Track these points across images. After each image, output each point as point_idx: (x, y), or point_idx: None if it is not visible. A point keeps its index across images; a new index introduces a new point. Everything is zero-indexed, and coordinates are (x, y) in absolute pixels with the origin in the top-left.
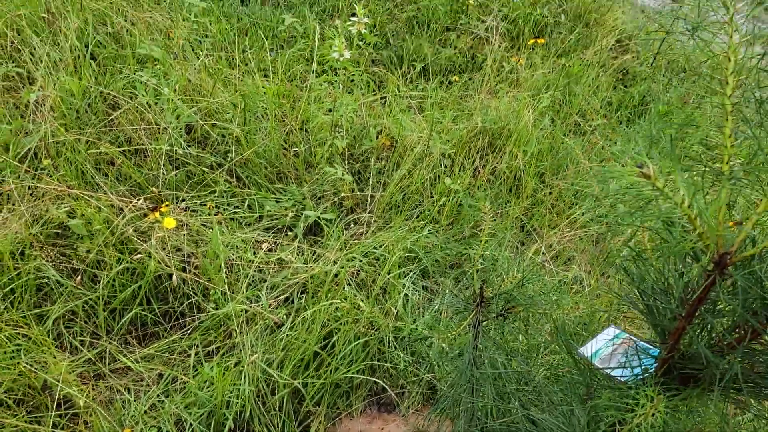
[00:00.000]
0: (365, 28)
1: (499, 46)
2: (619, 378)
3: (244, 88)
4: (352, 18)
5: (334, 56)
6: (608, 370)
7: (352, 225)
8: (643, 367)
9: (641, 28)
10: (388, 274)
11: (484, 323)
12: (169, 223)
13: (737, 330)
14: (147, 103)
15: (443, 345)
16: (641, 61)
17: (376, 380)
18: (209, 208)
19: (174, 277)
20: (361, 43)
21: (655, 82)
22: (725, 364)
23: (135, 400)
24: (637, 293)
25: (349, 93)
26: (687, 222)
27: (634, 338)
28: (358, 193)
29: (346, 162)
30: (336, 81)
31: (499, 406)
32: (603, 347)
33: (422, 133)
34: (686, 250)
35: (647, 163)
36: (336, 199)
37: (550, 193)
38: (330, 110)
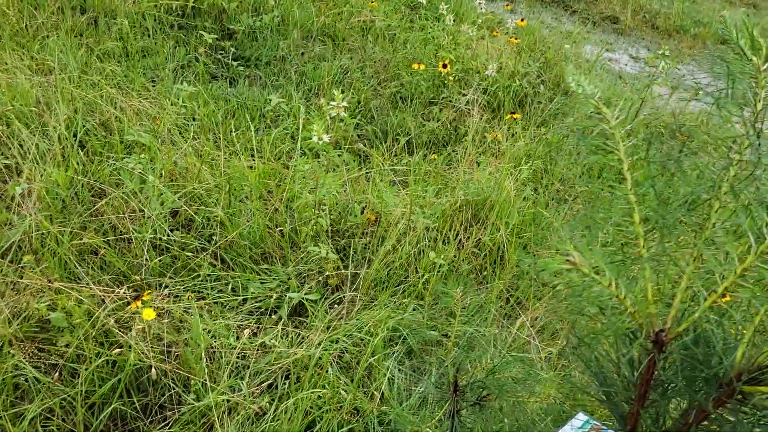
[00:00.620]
0: (344, 111)
1: (480, 118)
2: None
3: (229, 170)
4: (331, 103)
5: (314, 140)
6: None
7: (337, 305)
8: None
9: (618, 94)
10: (372, 355)
11: (462, 411)
12: (149, 314)
13: (689, 411)
14: (132, 190)
15: None
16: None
17: None
18: (188, 298)
19: (153, 370)
20: (341, 124)
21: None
22: None
23: None
24: (593, 378)
25: (333, 171)
26: (618, 303)
27: (603, 426)
28: (343, 270)
29: (331, 239)
30: (319, 162)
31: None
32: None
33: (405, 207)
34: (621, 332)
35: (571, 252)
36: (321, 278)
37: (535, 263)
38: (313, 189)
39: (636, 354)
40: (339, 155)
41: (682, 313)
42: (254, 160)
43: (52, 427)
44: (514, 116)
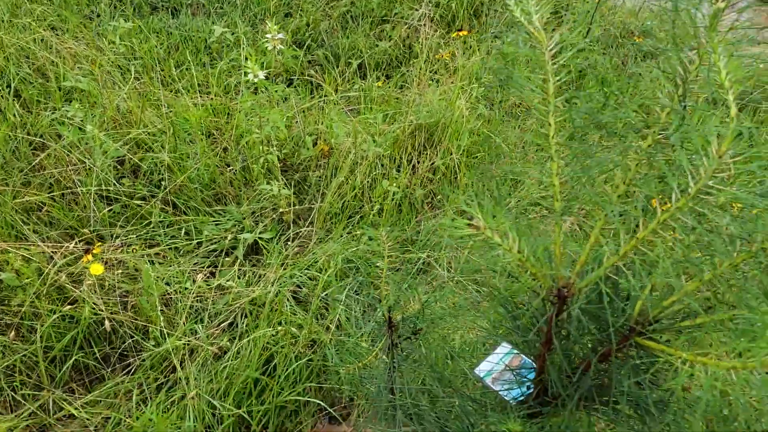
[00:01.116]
0: (281, 44)
1: (434, 33)
2: (505, 396)
3: (173, 111)
4: (266, 36)
5: (249, 77)
6: (500, 390)
7: (292, 241)
8: (525, 386)
9: None
10: (326, 289)
11: (398, 345)
12: (96, 269)
13: (592, 352)
14: (71, 142)
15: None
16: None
17: (319, 401)
18: (133, 249)
19: (106, 322)
20: (280, 57)
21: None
22: (576, 386)
23: None
24: (510, 321)
25: (281, 104)
26: (520, 264)
27: (523, 356)
28: (298, 206)
29: (285, 175)
30: (267, 96)
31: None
32: (495, 365)
33: (357, 136)
34: (524, 290)
35: (476, 215)
36: (275, 216)
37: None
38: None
39: (541, 307)
40: (277, 91)
41: (586, 271)
42: (201, 98)
43: (15, 382)
44: (460, 33)
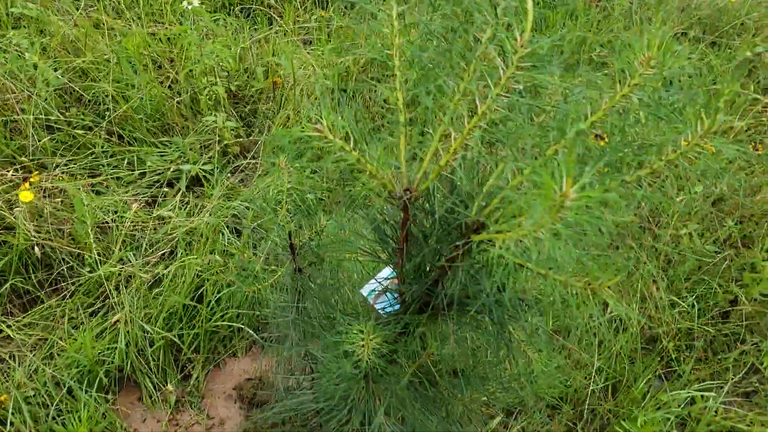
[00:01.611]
0: None
1: None
2: (382, 311)
3: (119, 41)
4: None
5: (183, 5)
6: (377, 306)
7: (237, 172)
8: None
9: None
10: (257, 219)
11: (302, 269)
12: (26, 197)
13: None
14: (17, 68)
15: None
16: None
17: (242, 326)
18: (78, 177)
19: (36, 248)
20: None
21: None
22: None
23: (16, 367)
24: (374, 232)
25: (235, 33)
26: (362, 166)
27: (390, 267)
28: (245, 138)
29: (235, 107)
30: (215, 23)
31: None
32: (377, 286)
33: (308, 69)
34: (365, 192)
35: (320, 120)
36: (219, 147)
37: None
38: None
39: (386, 209)
40: (218, 21)
41: (429, 174)
42: (156, 27)
43: None
44: None
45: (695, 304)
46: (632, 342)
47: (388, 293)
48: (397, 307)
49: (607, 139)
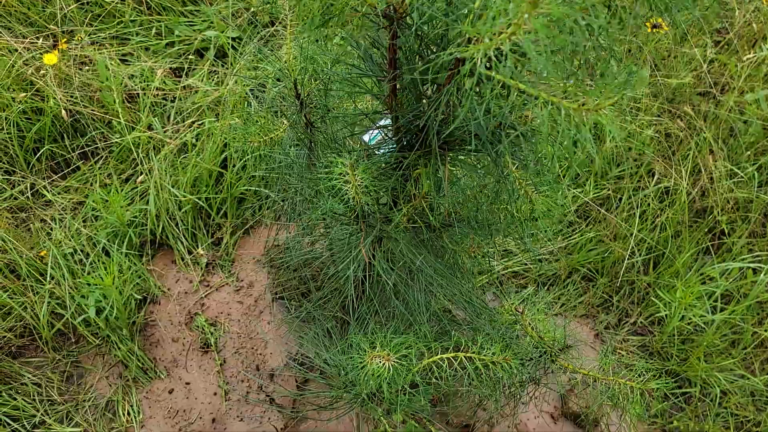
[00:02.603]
0: None
1: None
2: (379, 151)
3: None
4: None
5: None
6: (374, 148)
7: (265, 41)
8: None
9: None
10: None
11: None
12: (50, 59)
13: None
14: None
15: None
16: None
17: (269, 192)
18: (106, 45)
19: (63, 111)
20: None
21: None
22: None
23: (56, 227)
24: (366, 62)
25: None
26: None
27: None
28: (273, 4)
29: None
30: None
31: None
32: (377, 133)
33: None
34: (345, 4)
35: None
36: (247, 15)
37: None
38: None
39: (373, 30)
40: None
41: None
42: None
43: None
44: None
45: (755, 174)
46: (680, 213)
47: (386, 139)
48: (392, 146)
49: None
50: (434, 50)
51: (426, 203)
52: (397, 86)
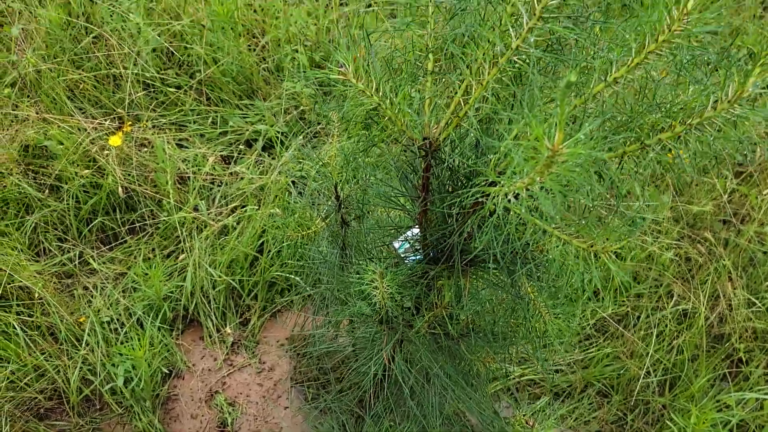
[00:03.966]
0: None
1: None
2: (407, 261)
3: (213, 7)
4: None
5: None
6: (404, 256)
7: (311, 137)
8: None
9: None
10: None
11: (348, 221)
12: (115, 141)
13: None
14: (121, 28)
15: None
16: None
17: (298, 279)
18: (166, 130)
19: (120, 188)
20: None
21: None
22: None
23: (97, 295)
24: (402, 182)
25: (328, 6)
26: (383, 111)
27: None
28: (322, 105)
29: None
30: None
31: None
32: (406, 242)
33: (388, 41)
34: (384, 137)
35: (346, 63)
36: (296, 113)
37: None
38: (290, 25)
39: (411, 157)
40: None
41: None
42: None
43: (50, 236)
44: None
45: None
46: (697, 337)
47: (415, 248)
48: (419, 256)
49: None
50: (463, 181)
51: (446, 312)
52: (428, 207)
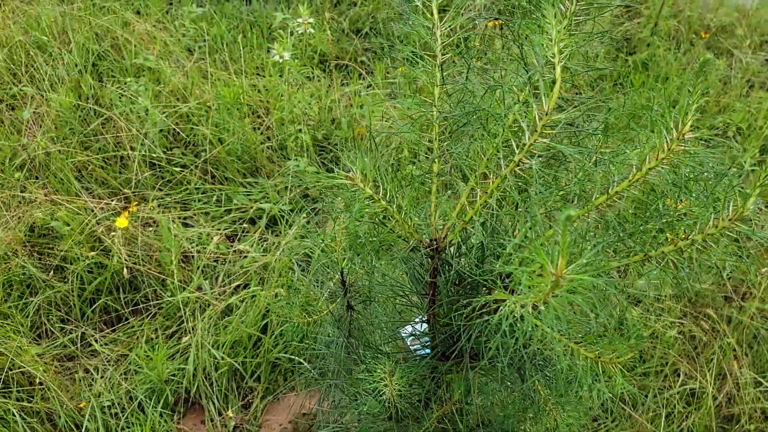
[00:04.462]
0: (311, 27)
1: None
2: (415, 353)
3: (219, 89)
4: (298, 20)
5: (275, 59)
6: (412, 348)
7: (314, 214)
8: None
9: None
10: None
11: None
12: (122, 223)
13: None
14: (123, 111)
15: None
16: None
17: (301, 360)
18: (171, 209)
19: (125, 270)
20: (312, 40)
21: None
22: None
23: (98, 379)
24: (412, 280)
25: (330, 85)
26: (390, 216)
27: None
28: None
29: (320, 155)
30: (296, 77)
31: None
32: (414, 330)
33: (389, 121)
34: (390, 240)
35: (353, 169)
36: (300, 190)
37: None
38: (294, 105)
39: (420, 259)
40: (300, 72)
41: (456, 226)
42: (257, 78)
43: (53, 317)
44: (497, 22)
45: None
46: (706, 419)
47: (422, 338)
48: (428, 351)
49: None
50: (470, 288)
51: (455, 408)
52: (435, 307)
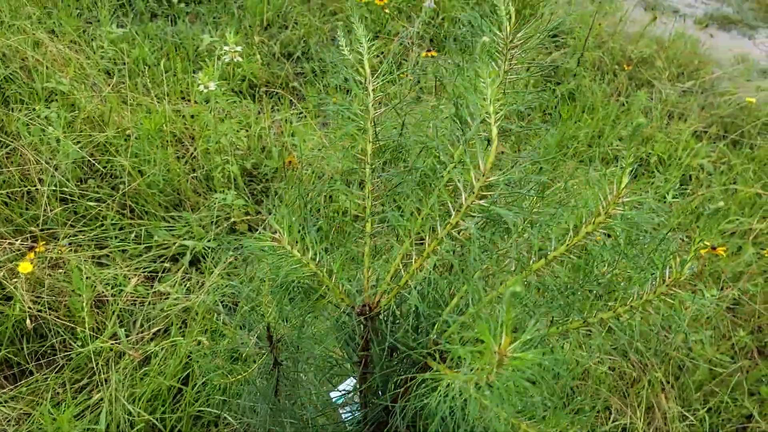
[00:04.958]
0: (239, 56)
1: (420, 47)
2: (344, 419)
3: (140, 117)
4: (224, 47)
5: (200, 88)
6: (341, 412)
7: (242, 250)
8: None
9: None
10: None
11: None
12: (25, 267)
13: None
14: (31, 142)
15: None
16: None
17: (226, 414)
18: (84, 248)
19: (27, 320)
20: (239, 69)
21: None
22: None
23: None
24: (344, 345)
25: (260, 112)
26: (319, 279)
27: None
28: (254, 215)
29: (249, 185)
30: (235, 103)
31: None
32: (345, 393)
33: (321, 150)
34: (321, 306)
35: (280, 230)
36: (227, 224)
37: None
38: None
39: (351, 325)
40: (231, 101)
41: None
42: (183, 104)
43: None
44: (430, 54)
45: (706, 417)
46: None
47: (352, 403)
48: (357, 415)
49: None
50: (404, 351)
51: None
52: (367, 378)
